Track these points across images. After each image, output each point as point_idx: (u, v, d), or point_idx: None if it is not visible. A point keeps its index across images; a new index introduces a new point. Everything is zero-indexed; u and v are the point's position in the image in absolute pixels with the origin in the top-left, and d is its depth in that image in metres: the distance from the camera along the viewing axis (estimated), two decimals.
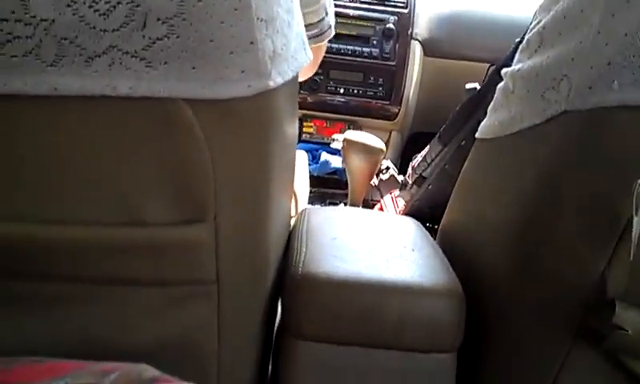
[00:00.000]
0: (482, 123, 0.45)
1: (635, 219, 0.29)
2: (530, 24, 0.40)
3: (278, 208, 0.38)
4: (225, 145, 0.30)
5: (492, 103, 0.44)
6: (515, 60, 0.41)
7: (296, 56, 0.34)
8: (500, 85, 0.43)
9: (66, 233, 0.29)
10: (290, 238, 0.46)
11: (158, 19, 0.25)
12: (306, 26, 0.54)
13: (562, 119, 0.33)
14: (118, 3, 0.25)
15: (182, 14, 0.26)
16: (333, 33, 0.58)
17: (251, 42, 0.28)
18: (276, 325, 0.44)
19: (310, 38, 0.55)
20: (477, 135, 0.46)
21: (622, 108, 0.30)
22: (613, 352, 0.33)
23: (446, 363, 0.39)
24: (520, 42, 0.41)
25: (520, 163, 0.38)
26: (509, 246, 0.39)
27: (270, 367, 0.44)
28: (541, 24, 0.37)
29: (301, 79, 0.68)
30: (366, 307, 0.37)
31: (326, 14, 0.55)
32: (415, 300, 0.38)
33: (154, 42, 0.26)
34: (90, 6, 0.25)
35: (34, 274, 0.30)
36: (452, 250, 0.47)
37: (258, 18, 0.28)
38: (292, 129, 0.40)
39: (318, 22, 0.55)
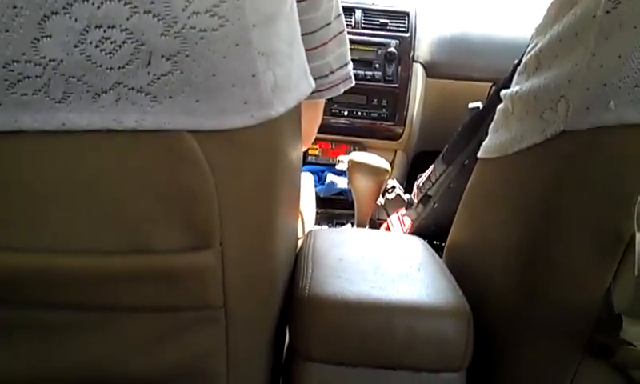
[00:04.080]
0: (484, 143, 0.46)
1: (638, 235, 0.29)
2: (528, 46, 0.41)
3: (284, 231, 0.38)
4: (229, 173, 0.30)
5: (492, 123, 0.45)
6: (514, 82, 0.41)
7: (298, 85, 0.35)
8: (500, 106, 0.43)
9: (75, 262, 0.29)
10: (297, 260, 0.46)
11: (162, 56, 0.26)
12: None
13: (560, 139, 0.33)
14: (124, 43, 0.25)
15: (185, 51, 0.26)
16: (337, 91, 0.55)
17: (253, 75, 0.29)
18: (285, 347, 0.44)
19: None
20: (479, 155, 0.47)
21: (619, 127, 0.30)
22: (622, 367, 0.33)
23: (456, 383, 0.38)
24: (518, 64, 0.42)
25: (521, 182, 0.39)
26: (513, 264, 0.39)
27: None
28: (537, 47, 0.38)
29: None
30: (373, 328, 0.37)
31: (332, 72, 0.53)
32: (423, 320, 0.38)
33: (159, 78, 0.27)
34: (97, 46, 0.25)
35: (43, 303, 0.30)
36: (458, 268, 0.47)
37: (258, 53, 0.29)
38: (296, 153, 0.40)
39: (318, 78, 0.52)
